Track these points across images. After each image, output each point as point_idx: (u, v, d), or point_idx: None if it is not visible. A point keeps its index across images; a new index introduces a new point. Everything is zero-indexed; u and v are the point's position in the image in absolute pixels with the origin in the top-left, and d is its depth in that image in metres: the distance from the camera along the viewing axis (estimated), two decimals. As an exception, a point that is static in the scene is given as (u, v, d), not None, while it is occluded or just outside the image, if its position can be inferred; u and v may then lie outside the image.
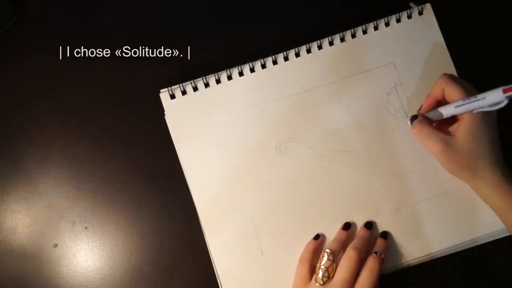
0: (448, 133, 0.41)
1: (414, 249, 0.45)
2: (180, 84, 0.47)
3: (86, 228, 0.48)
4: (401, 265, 0.45)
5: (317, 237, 0.45)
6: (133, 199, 0.48)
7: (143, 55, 0.50)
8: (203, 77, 0.47)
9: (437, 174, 0.45)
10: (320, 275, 0.42)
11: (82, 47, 0.50)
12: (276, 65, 0.48)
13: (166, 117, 0.47)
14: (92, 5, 0.51)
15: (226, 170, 0.46)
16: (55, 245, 0.48)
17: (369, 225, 0.45)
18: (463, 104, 0.39)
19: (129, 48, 0.50)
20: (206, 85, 0.47)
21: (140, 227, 0.48)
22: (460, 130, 0.40)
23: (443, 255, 0.46)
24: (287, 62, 0.48)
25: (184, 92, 0.47)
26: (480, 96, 0.37)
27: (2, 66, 0.50)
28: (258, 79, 0.48)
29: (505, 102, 0.35)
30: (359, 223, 0.46)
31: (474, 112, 0.39)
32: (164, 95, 0.47)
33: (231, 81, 0.48)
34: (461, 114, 0.40)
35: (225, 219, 0.46)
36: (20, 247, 0.48)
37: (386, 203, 0.46)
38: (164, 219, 0.48)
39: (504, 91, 0.34)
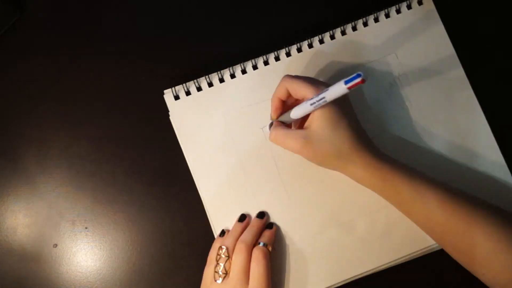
0: (304, 129, 0.41)
1: (413, 242, 0.45)
2: (184, 84, 0.47)
3: (86, 228, 0.48)
4: (400, 259, 0.45)
5: (222, 233, 0.46)
6: (133, 199, 0.48)
7: (144, 56, 0.50)
8: (206, 76, 0.47)
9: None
10: (219, 272, 0.42)
11: (82, 47, 0.50)
12: (278, 61, 0.48)
13: (170, 117, 0.47)
14: (92, 5, 0.51)
15: (233, 167, 0.47)
16: (55, 245, 0.48)
17: (261, 214, 0.46)
18: (314, 102, 0.38)
19: (130, 48, 0.50)
20: (210, 84, 0.47)
21: (140, 227, 0.48)
22: (314, 122, 0.40)
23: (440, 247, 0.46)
24: (290, 57, 0.48)
25: (188, 93, 0.47)
26: (324, 93, 0.36)
27: (2, 66, 0.50)
28: (261, 76, 0.48)
29: (346, 90, 0.34)
30: (360, 220, 0.46)
31: (320, 106, 0.38)
32: (168, 96, 0.47)
33: (234, 79, 0.48)
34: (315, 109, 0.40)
35: (234, 216, 0.46)
36: (20, 247, 0.48)
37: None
38: (164, 219, 0.48)
39: (348, 88, 0.34)
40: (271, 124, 0.45)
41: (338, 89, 0.34)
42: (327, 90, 0.36)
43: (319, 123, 0.39)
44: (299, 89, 0.40)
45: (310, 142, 0.40)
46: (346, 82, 0.33)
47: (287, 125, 0.44)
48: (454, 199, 0.40)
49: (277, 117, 0.44)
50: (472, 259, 0.39)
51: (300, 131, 0.41)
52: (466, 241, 0.39)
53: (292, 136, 0.41)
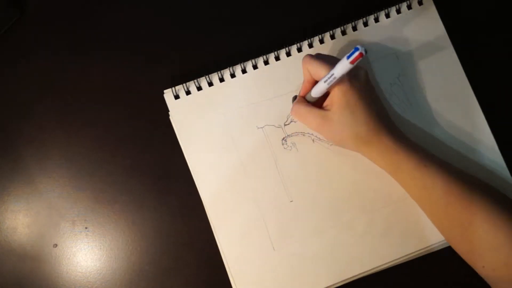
0: (325, 108, 0.42)
1: (413, 242, 0.45)
2: (184, 84, 0.47)
3: (86, 228, 0.48)
4: (400, 259, 0.45)
5: None
6: (133, 199, 0.48)
7: (144, 55, 0.50)
8: (206, 76, 0.47)
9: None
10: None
11: (82, 47, 0.50)
12: (279, 61, 0.48)
13: (170, 117, 0.47)
14: (92, 4, 0.51)
15: (233, 166, 0.47)
16: (55, 245, 0.48)
17: None
18: (327, 80, 0.39)
19: (130, 48, 0.50)
20: (210, 84, 0.47)
21: (140, 227, 0.48)
22: (333, 103, 0.41)
23: (441, 247, 0.46)
24: (290, 57, 0.48)
25: (188, 92, 0.47)
26: (333, 70, 0.38)
27: (2, 66, 0.50)
28: (261, 75, 0.48)
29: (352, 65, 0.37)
30: (360, 219, 0.46)
31: (335, 82, 0.39)
32: (168, 95, 0.47)
33: (234, 78, 0.48)
34: (331, 87, 0.41)
35: (234, 216, 0.46)
36: (20, 247, 0.48)
37: (390, 194, 0.46)
38: (164, 219, 0.48)
39: (351, 63, 0.36)
40: (294, 98, 0.46)
41: (343, 64, 0.36)
42: (335, 67, 0.38)
43: (337, 105, 0.41)
44: (317, 70, 0.41)
45: (328, 122, 0.41)
46: (348, 57, 0.36)
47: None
48: (457, 189, 0.40)
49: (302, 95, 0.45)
50: (473, 249, 0.39)
51: (320, 111, 0.42)
52: (469, 233, 0.39)
53: (312, 115, 0.43)
